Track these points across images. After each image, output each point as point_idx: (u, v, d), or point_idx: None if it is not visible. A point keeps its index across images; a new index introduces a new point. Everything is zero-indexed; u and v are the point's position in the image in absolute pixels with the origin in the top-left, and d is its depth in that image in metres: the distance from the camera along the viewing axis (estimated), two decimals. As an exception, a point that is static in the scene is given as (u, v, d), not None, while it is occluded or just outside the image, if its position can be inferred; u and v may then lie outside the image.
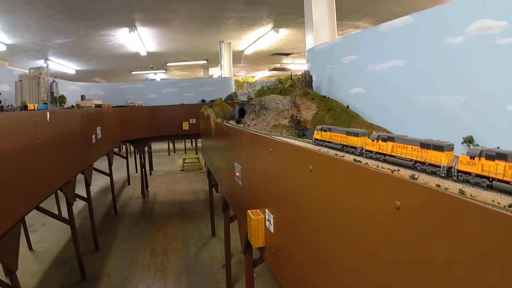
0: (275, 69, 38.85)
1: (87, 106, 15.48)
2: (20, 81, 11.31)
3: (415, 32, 5.30)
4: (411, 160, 2.81)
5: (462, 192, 2.00)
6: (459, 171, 2.41)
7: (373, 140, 3.28)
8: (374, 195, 2.44)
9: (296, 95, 7.89)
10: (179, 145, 43.95)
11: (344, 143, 3.73)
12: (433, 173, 2.58)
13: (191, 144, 43.32)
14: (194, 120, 20.30)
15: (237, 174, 6.76)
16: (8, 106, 10.58)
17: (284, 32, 22.16)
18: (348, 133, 3.69)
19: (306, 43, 10.87)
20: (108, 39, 22.08)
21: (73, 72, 31.99)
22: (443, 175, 2.50)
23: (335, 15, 10.82)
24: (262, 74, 45.98)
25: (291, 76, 24.69)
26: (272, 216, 4.62)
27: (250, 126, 7.58)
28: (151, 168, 29.87)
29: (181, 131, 21.01)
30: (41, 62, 25.70)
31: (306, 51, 10.01)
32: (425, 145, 2.71)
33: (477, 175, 2.28)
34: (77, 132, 11.58)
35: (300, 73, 8.76)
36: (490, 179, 2.19)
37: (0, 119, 6.56)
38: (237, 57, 28.47)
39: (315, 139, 4.37)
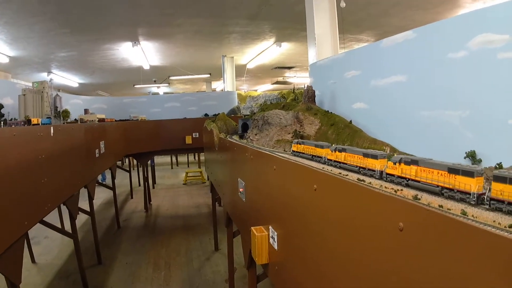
0: (277, 82, 38.89)
1: (90, 120, 15.52)
2: (24, 95, 11.35)
3: (417, 47, 5.30)
4: (357, 166, 3.67)
5: (464, 213, 2.04)
6: (387, 174, 3.24)
7: (332, 151, 4.17)
8: (378, 216, 2.46)
9: (299, 110, 7.89)
10: (182, 158, 43.93)
11: (313, 154, 4.65)
12: (371, 176, 3.41)
13: (194, 157, 43.33)
14: (197, 134, 20.32)
15: (240, 190, 6.77)
16: (11, 119, 10.61)
17: (286, 46, 22.22)
18: (316, 146, 4.60)
19: (308, 58, 10.89)
20: (112, 53, 22.17)
21: (76, 85, 32.08)
22: (377, 177, 3.34)
23: (338, 30, 10.85)
24: (264, 88, 46.05)
25: (293, 90, 24.74)
26: (276, 233, 4.63)
27: (254, 141, 7.59)
28: (154, 182, 29.86)
29: (184, 145, 21.01)
30: (44, 75, 25.80)
31: (308, 66, 10.03)
32: (366, 155, 3.56)
33: (398, 176, 3.09)
34: (81, 147, 11.62)
35: (302, 86, 8.78)
36: (407, 179, 2.98)
37: (4, 134, 6.61)
38: (240, 71, 28.52)
39: (292, 150, 5.31)
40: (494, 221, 1.93)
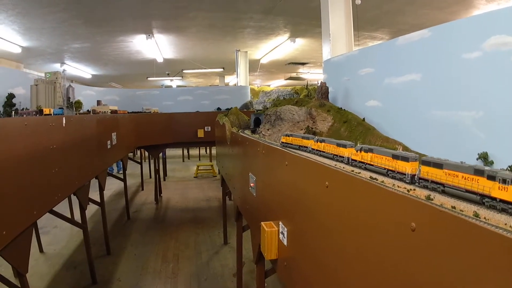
0: (291, 78, 38.81)
1: (103, 112, 15.55)
2: (36, 85, 11.37)
3: (432, 46, 5.24)
4: (331, 154, 4.35)
5: (476, 215, 2.02)
6: (352, 160, 3.92)
7: (315, 142, 4.83)
8: (390, 215, 2.44)
9: (312, 106, 7.85)
10: (194, 151, 44.03)
11: (301, 144, 5.23)
12: (341, 161, 4.09)
13: (205, 151, 43.43)
14: (209, 128, 20.37)
15: (251, 184, 6.76)
16: (22, 109, 10.66)
17: (300, 42, 22.16)
18: (303, 137, 5.23)
19: (322, 54, 10.85)
20: (125, 45, 22.21)
21: (89, 76, 32.23)
22: (345, 162, 4.01)
23: (352, 27, 10.80)
24: (278, 83, 46.01)
25: (307, 86, 24.67)
26: (286, 229, 4.62)
27: (266, 137, 7.57)
28: (165, 174, 29.94)
29: (196, 139, 21.08)
30: (57, 66, 25.94)
31: (322, 62, 9.99)
32: (338, 144, 4.23)
33: (359, 161, 3.76)
34: (93, 138, 11.66)
35: (316, 82, 8.74)
36: (365, 164, 3.65)
37: (15, 124, 6.62)
38: (253, 66, 28.49)
39: (282, 142, 5.87)
40: (505, 224, 1.91)
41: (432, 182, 2.79)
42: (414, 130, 5.61)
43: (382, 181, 2.89)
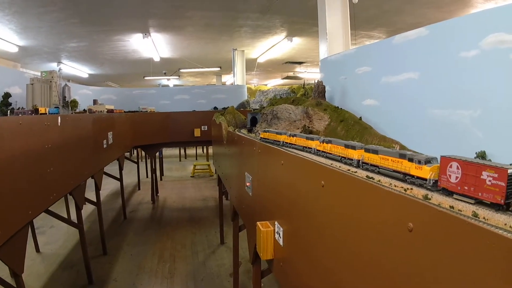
0: (287, 77, 38.83)
1: (99, 111, 15.50)
2: (32, 84, 11.30)
3: (430, 44, 5.20)
4: (301, 146, 4.98)
5: (475, 215, 1.99)
6: (317, 150, 4.58)
7: (288, 136, 5.43)
8: (387, 215, 2.40)
9: (309, 105, 7.81)
10: (190, 151, 44.00)
11: (275, 139, 5.78)
12: (309, 152, 4.72)
13: (202, 150, 43.39)
14: (206, 127, 20.36)
15: (247, 184, 6.73)
16: (18, 108, 10.60)
17: (297, 41, 22.12)
18: (277, 133, 5.78)
19: (319, 53, 10.82)
20: (122, 44, 22.15)
21: (86, 75, 32.16)
22: (313, 152, 4.63)
23: (349, 26, 10.77)
24: (274, 82, 45.99)
25: (303, 85, 24.61)
26: (281, 229, 4.59)
27: (262, 136, 7.55)
28: (161, 174, 29.92)
29: (193, 138, 21.06)
30: (54, 65, 25.88)
31: (319, 61, 9.96)
32: (307, 138, 4.89)
33: (322, 151, 4.45)
34: (89, 137, 11.60)
35: (313, 82, 8.70)
36: (326, 153, 4.35)
37: (10, 123, 6.58)
38: (250, 65, 28.45)
39: (260, 137, 6.35)
40: (505, 224, 1.88)
41: (371, 165, 3.53)
42: (412, 129, 5.57)
43: (379, 181, 2.86)
